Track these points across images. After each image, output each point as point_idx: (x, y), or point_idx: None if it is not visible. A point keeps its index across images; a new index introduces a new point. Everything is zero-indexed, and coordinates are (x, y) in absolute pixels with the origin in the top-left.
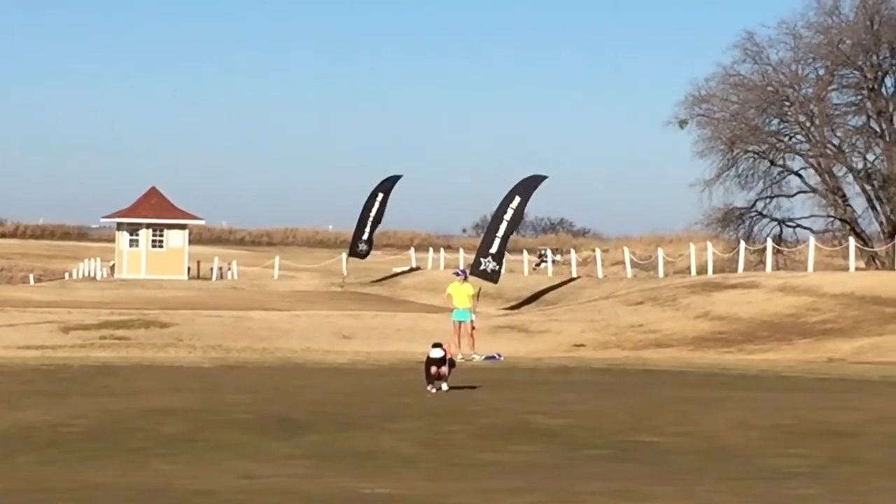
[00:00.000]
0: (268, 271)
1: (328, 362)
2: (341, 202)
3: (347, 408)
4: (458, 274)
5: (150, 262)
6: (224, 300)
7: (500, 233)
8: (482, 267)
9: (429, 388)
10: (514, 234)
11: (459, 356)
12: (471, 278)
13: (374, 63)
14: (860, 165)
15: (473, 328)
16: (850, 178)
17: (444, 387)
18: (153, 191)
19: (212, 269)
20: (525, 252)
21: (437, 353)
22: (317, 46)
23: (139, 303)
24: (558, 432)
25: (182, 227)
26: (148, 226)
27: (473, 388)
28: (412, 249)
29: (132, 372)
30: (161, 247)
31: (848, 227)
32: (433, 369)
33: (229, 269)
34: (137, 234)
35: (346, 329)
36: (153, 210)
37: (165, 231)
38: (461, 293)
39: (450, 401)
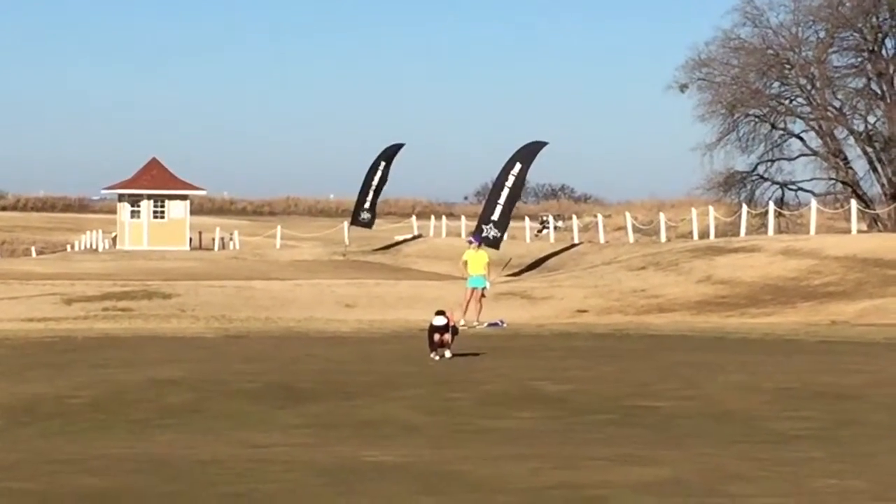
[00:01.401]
0: (269, 241)
1: (331, 331)
2: (343, 171)
3: (351, 376)
4: (471, 241)
5: (151, 233)
6: (226, 270)
7: (502, 200)
8: (484, 234)
9: (432, 355)
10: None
11: (462, 322)
12: (489, 250)
13: (374, 31)
14: (861, 128)
15: (483, 296)
16: (851, 140)
17: (448, 354)
18: (154, 162)
19: (213, 240)
20: (527, 219)
21: (439, 321)
22: (318, 14)
23: (141, 274)
24: (562, 398)
25: (183, 197)
26: (149, 197)
27: (477, 355)
28: (414, 217)
29: (135, 343)
30: (162, 218)
31: (850, 189)
32: (436, 337)
33: (231, 239)
34: (139, 206)
35: (349, 298)
36: (154, 181)
37: (167, 202)
38: (476, 260)
39: (453, 368)
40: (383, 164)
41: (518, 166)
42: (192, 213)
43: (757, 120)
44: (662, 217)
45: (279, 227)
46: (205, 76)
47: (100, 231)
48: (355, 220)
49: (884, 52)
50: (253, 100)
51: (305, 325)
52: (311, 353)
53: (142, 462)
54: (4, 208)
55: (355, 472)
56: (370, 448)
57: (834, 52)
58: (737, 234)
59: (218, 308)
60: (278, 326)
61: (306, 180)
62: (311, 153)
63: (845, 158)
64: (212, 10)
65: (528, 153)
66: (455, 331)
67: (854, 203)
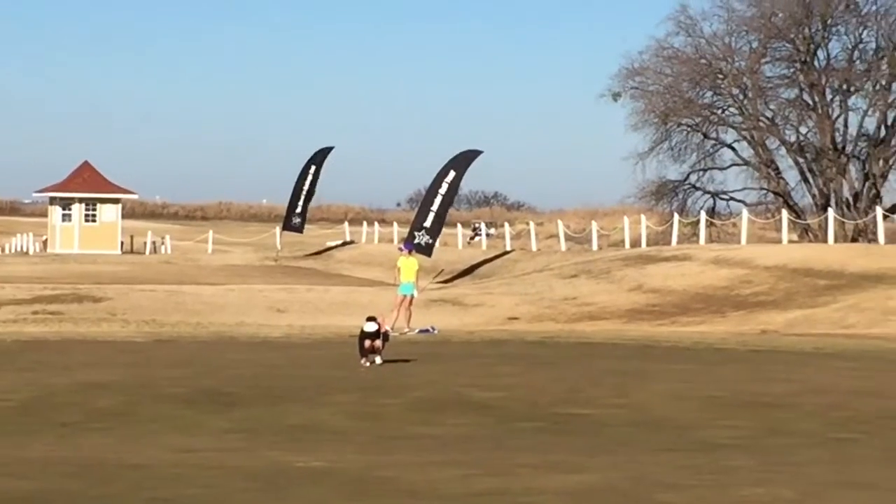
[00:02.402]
0: (201, 245)
1: (262, 336)
2: (275, 176)
3: (281, 381)
4: (401, 249)
5: (83, 236)
6: (157, 274)
7: (435, 207)
8: (416, 241)
9: (362, 361)
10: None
11: (391, 330)
12: (420, 256)
13: (306, 34)
14: (793, 138)
15: (411, 302)
16: (782, 150)
17: (378, 360)
18: (86, 165)
19: (145, 244)
20: (459, 226)
21: (370, 327)
22: (250, 17)
23: (72, 277)
24: (492, 405)
25: (115, 201)
26: (81, 200)
27: (407, 361)
28: (346, 223)
29: (65, 347)
30: (94, 221)
31: (781, 199)
32: (367, 343)
33: (163, 243)
34: (70, 209)
35: (280, 303)
36: (86, 184)
37: (98, 205)
38: (408, 267)
39: (383, 374)
40: (313, 167)
41: (452, 174)
42: (124, 216)
43: (689, 129)
44: (594, 225)
45: (211, 232)
46: (137, 80)
47: (31, 234)
48: (287, 226)
49: (816, 62)
50: (185, 104)
51: (236, 330)
52: (242, 358)
53: (70, 466)
54: None
55: (284, 478)
56: (299, 453)
57: (766, 62)
58: (668, 243)
59: (148, 312)
60: (209, 331)
61: (239, 185)
62: (244, 158)
63: (777, 169)
64: (144, 13)
65: (463, 161)
66: (386, 337)
67: (785, 213)
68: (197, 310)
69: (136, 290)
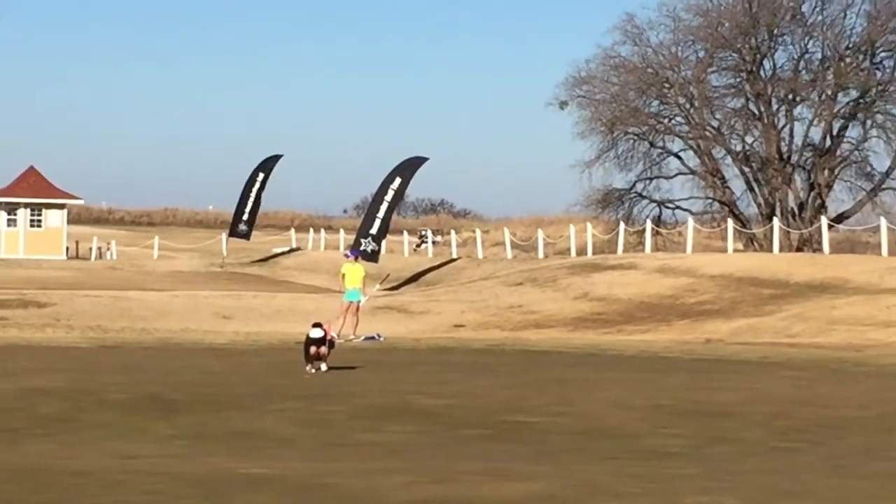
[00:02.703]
0: (147, 251)
1: (207, 342)
2: (221, 182)
3: (226, 388)
4: (347, 255)
5: (28, 241)
6: (103, 280)
7: (381, 214)
8: (362, 247)
9: (308, 367)
10: (395, 214)
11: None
12: (366, 263)
13: (253, 41)
14: (739, 147)
15: (358, 309)
16: (728, 160)
17: (324, 367)
18: (31, 170)
19: (91, 249)
20: (405, 233)
21: (316, 333)
22: (197, 23)
23: (17, 282)
24: (437, 412)
25: (61, 206)
26: (26, 205)
27: (353, 368)
28: (292, 230)
29: (9, 352)
30: (39, 226)
31: (726, 208)
32: (312, 349)
33: (108, 249)
34: (15, 214)
35: (226, 309)
36: (31, 189)
37: (44, 210)
38: (353, 274)
39: (329, 381)
40: (261, 175)
41: (398, 181)
42: (70, 222)
43: (636, 138)
44: (541, 233)
45: (157, 238)
46: (83, 84)
47: None
48: (233, 232)
49: (762, 72)
50: (132, 109)
51: (181, 337)
52: (187, 365)
53: (13, 472)
54: None
55: (228, 484)
56: (243, 460)
57: (713, 71)
58: (614, 251)
59: (94, 318)
60: (154, 337)
61: (185, 191)
62: (191, 164)
63: (723, 178)
64: (93, 17)
65: (409, 168)
66: (332, 344)
67: (731, 222)
68: (142, 316)
69: (82, 295)
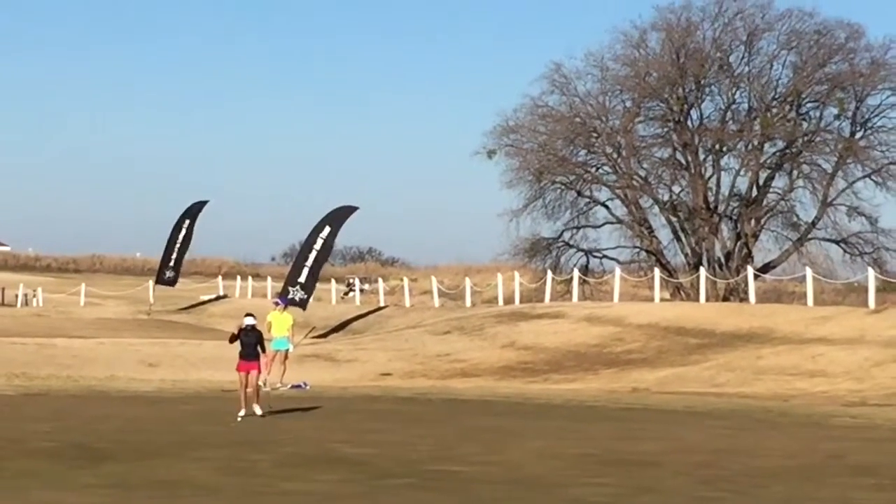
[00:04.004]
0: (74, 298)
1: (133, 390)
2: (149, 229)
3: (151, 436)
4: (277, 303)
5: None
6: (29, 327)
7: (309, 262)
8: (290, 296)
9: (240, 413)
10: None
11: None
12: (295, 311)
13: (181, 87)
14: (666, 197)
15: (286, 357)
16: (655, 209)
17: (258, 410)
18: None
19: (17, 296)
20: (333, 281)
21: (249, 321)
22: (122, 69)
23: None
24: (362, 461)
25: None
26: None
27: (279, 415)
28: (220, 277)
29: None
30: None
31: (653, 257)
32: (245, 376)
33: (34, 295)
34: None
35: (152, 357)
36: None
37: None
38: (280, 322)
39: (254, 429)
40: (188, 221)
41: (327, 229)
42: None
43: (563, 187)
44: (468, 282)
45: (83, 285)
46: (8, 130)
47: None
48: (160, 279)
49: (689, 122)
50: (57, 155)
51: (107, 384)
52: (112, 413)
53: None
54: None
55: None
56: None
57: (640, 121)
58: (542, 300)
59: (19, 365)
60: (80, 385)
61: (112, 238)
62: (117, 211)
63: (650, 227)
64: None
65: (338, 217)
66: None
67: (657, 271)
68: (68, 363)
69: (7, 342)
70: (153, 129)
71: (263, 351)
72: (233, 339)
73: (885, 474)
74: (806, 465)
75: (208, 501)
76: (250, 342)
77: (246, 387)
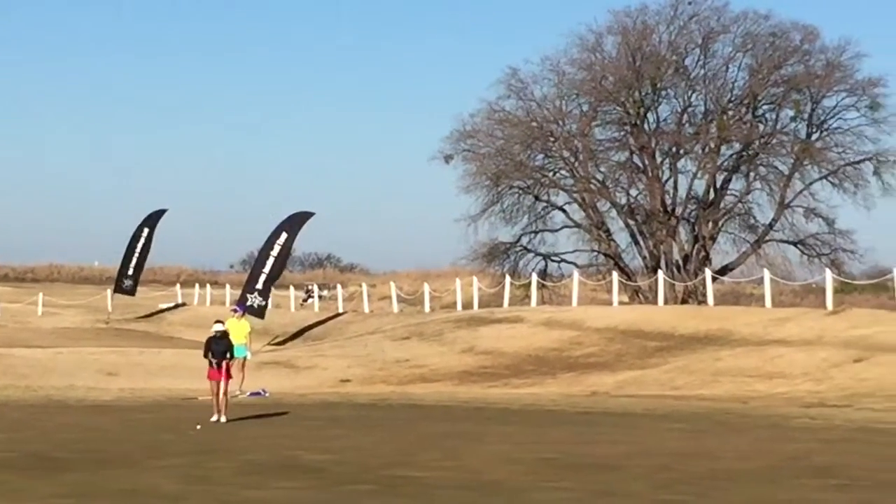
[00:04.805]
0: (31, 308)
1: (92, 399)
2: (107, 238)
3: (110, 445)
4: (235, 310)
5: None
6: None
7: (267, 269)
8: (249, 303)
9: (212, 418)
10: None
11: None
12: (253, 319)
13: (138, 94)
14: (623, 200)
15: (244, 365)
16: (613, 213)
17: (223, 419)
18: None
19: None
20: (292, 288)
21: (218, 327)
22: (77, 78)
23: None
24: (323, 468)
25: None
26: None
27: (239, 423)
28: (178, 285)
29: None
30: None
31: (612, 261)
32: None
33: None
34: None
35: (111, 366)
36: None
37: None
38: (238, 329)
39: (215, 437)
40: (146, 230)
41: (284, 235)
42: None
43: (521, 192)
44: (427, 287)
45: (41, 294)
46: None
47: None
48: (119, 288)
49: (646, 125)
50: (14, 164)
51: (66, 394)
52: (72, 422)
53: None
54: None
55: None
56: None
57: (597, 125)
58: (500, 304)
59: None
60: (38, 395)
61: (70, 247)
62: (75, 219)
63: (608, 231)
64: None
65: (295, 223)
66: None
67: (616, 275)
68: (26, 373)
69: None
70: (110, 137)
71: (233, 357)
72: (206, 354)
73: (844, 475)
74: (765, 466)
75: None
76: (220, 350)
77: (218, 394)
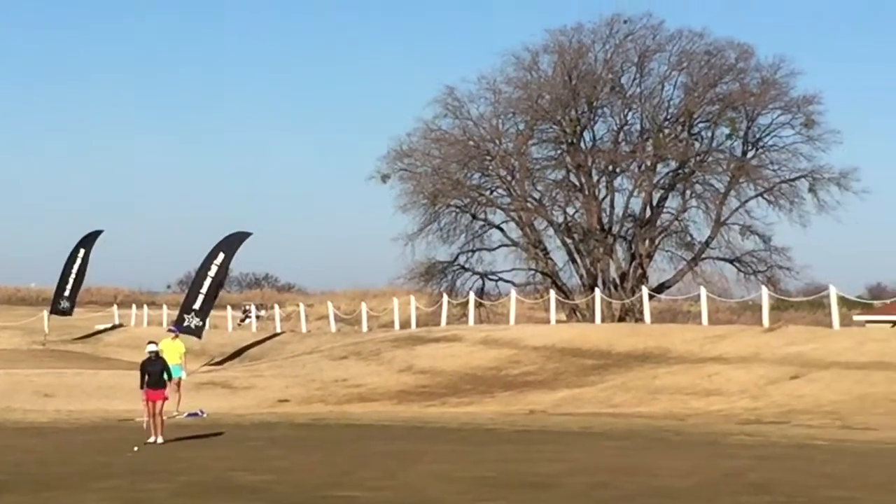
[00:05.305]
0: None
1: (29, 421)
2: (43, 259)
3: (48, 467)
4: (171, 331)
5: None
6: None
7: (204, 289)
8: (186, 323)
9: (145, 418)
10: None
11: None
12: (190, 339)
13: (71, 115)
14: (560, 219)
15: (179, 385)
16: (550, 231)
17: (160, 440)
18: None
19: None
20: (229, 308)
21: (151, 348)
22: (20, 101)
23: None
24: (259, 488)
25: None
26: None
27: (176, 444)
28: (115, 306)
29: None
30: None
31: (549, 279)
32: (151, 405)
33: None
34: None
35: (48, 387)
36: None
37: None
38: (171, 349)
39: (151, 458)
40: (82, 251)
41: (221, 256)
42: None
43: (458, 210)
44: (364, 307)
45: None
46: None
47: None
48: (55, 309)
49: (582, 144)
50: None
51: (2, 416)
52: (7, 445)
53: None
54: None
55: None
56: None
57: (534, 143)
58: (438, 323)
59: None
60: None
61: (6, 268)
62: (11, 240)
63: (545, 249)
64: None
65: (232, 243)
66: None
67: (553, 293)
68: None
69: None
70: (43, 157)
71: (170, 378)
72: (142, 384)
73: (780, 491)
74: (703, 483)
75: None
76: (155, 370)
77: (153, 415)
